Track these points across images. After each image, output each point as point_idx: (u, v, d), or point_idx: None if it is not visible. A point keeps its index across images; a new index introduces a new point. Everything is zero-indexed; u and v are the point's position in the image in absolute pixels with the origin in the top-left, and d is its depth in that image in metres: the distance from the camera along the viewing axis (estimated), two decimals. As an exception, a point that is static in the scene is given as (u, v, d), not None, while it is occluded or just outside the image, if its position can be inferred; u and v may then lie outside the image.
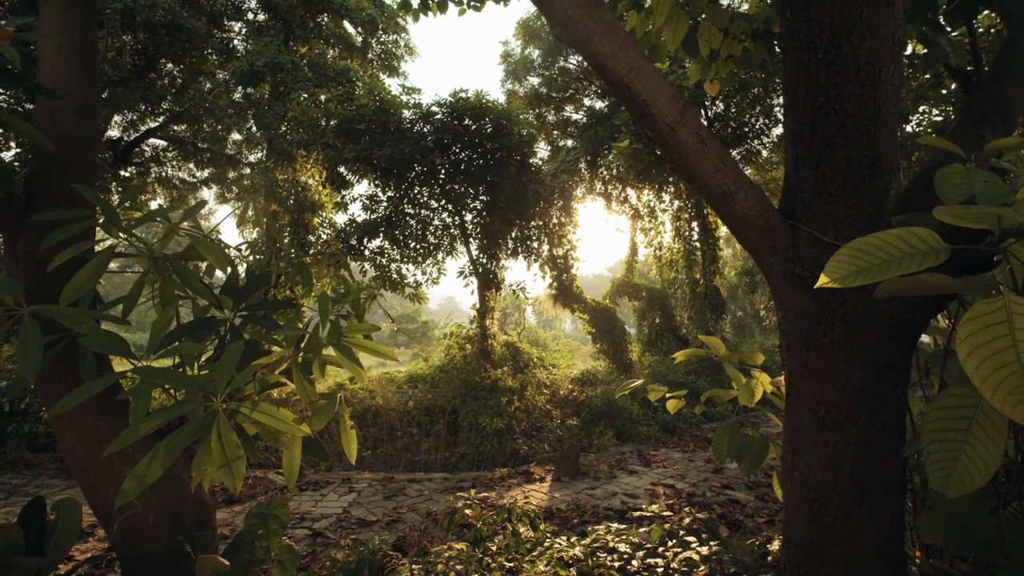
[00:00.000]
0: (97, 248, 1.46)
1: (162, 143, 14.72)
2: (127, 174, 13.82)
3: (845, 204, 1.47)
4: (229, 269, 1.66)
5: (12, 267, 1.69)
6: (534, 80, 16.55)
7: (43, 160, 1.73)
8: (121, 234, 1.38)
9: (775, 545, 2.66)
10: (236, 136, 14.75)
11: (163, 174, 15.26)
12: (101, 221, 1.39)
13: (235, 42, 14.03)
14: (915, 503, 1.65)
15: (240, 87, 13.13)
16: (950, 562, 1.60)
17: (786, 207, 1.61)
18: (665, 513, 3.38)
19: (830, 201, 1.48)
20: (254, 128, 13.35)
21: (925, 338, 1.88)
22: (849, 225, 1.46)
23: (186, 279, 1.49)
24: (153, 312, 1.59)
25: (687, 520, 3.17)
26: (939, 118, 6.23)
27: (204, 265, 1.86)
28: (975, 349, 0.90)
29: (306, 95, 11.65)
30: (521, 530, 2.99)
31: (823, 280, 1.09)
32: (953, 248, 1.04)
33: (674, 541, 2.91)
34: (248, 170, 15.40)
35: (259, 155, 14.72)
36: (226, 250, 1.95)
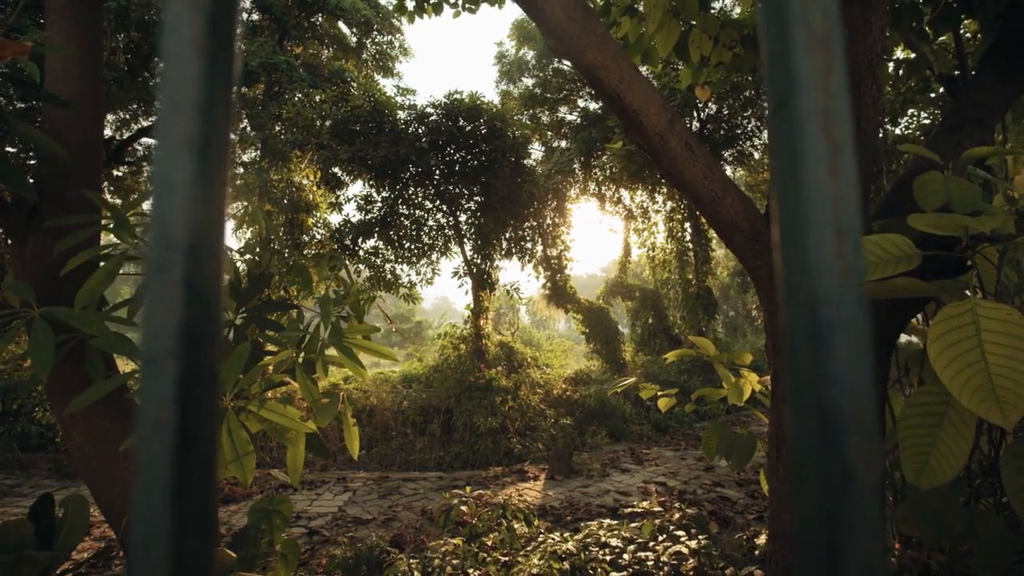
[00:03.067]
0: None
1: (155, 142, 14.66)
2: (120, 173, 13.75)
3: (827, 210, 1.53)
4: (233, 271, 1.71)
5: (20, 269, 1.72)
6: (528, 81, 16.59)
7: (50, 165, 1.77)
8: (130, 238, 1.42)
9: (762, 539, 2.73)
10: (231, 136, 14.68)
11: (156, 173, 15.20)
12: (110, 225, 1.44)
13: (229, 42, 13.98)
14: (894, 496, 1.72)
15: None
16: (927, 553, 1.66)
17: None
18: (656, 509, 3.45)
19: (813, 207, 1.55)
20: (248, 128, 13.33)
21: (913, 338, 1.94)
22: (831, 230, 1.53)
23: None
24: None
25: (678, 516, 3.24)
26: (927, 121, 6.29)
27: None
28: (944, 349, 0.96)
29: (301, 95, 11.65)
30: (516, 526, 3.05)
31: (803, 283, 1.15)
32: (925, 254, 1.10)
33: (664, 536, 2.98)
34: (242, 170, 15.36)
35: (253, 155, 14.69)
36: (228, 253, 1.99)
